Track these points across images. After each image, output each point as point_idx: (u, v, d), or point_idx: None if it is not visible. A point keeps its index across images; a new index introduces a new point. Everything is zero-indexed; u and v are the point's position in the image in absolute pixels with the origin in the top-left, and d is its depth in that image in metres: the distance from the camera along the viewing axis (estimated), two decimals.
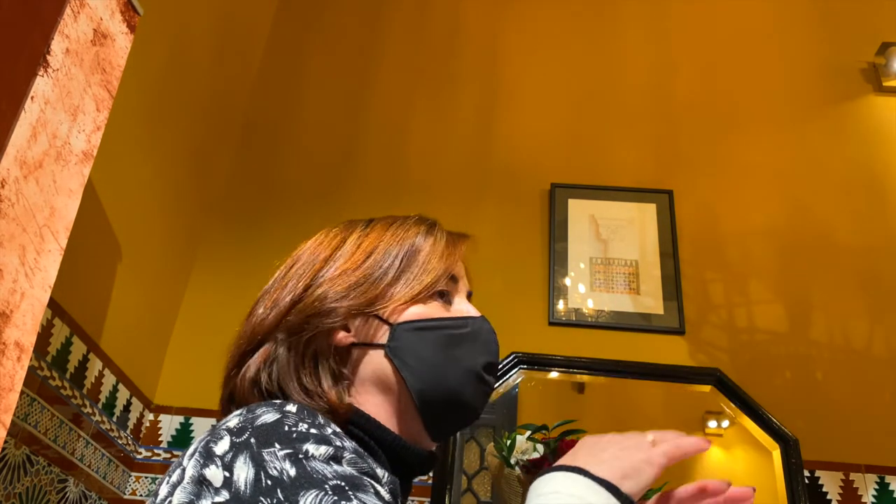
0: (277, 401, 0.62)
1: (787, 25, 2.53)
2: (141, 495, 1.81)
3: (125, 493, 1.79)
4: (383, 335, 0.71)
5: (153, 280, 1.89)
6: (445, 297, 0.75)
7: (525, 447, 1.70)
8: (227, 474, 0.52)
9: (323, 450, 0.54)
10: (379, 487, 0.54)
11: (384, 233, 0.75)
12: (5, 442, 1.30)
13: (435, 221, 0.79)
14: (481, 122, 2.38)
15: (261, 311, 0.73)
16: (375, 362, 0.71)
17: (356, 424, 0.68)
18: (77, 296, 1.52)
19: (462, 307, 0.76)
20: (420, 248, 0.74)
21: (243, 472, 0.52)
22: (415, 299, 0.72)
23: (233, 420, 0.58)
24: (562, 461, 0.58)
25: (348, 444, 0.58)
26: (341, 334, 0.71)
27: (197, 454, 0.55)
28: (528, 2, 2.63)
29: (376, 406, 0.70)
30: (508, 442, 1.72)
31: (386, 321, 0.71)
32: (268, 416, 0.57)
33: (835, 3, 2.56)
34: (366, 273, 0.72)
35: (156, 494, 0.58)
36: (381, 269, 0.72)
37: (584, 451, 0.59)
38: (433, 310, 0.73)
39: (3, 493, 1.31)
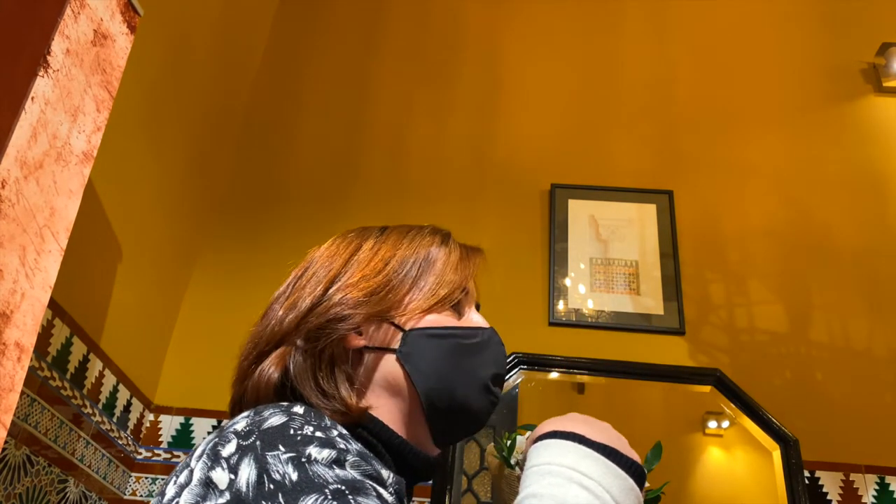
0: (285, 403, 0.63)
1: (787, 25, 2.53)
2: (141, 496, 1.81)
3: (125, 494, 1.79)
4: (396, 340, 0.73)
5: (153, 280, 1.89)
6: (457, 307, 0.77)
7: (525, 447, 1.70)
8: (233, 476, 0.53)
9: (326, 453, 0.55)
10: (382, 490, 0.55)
11: (400, 242, 0.78)
12: (5, 442, 1.30)
13: (448, 233, 0.81)
14: (481, 122, 2.38)
15: (280, 312, 0.74)
16: (386, 367, 0.72)
17: (364, 427, 0.69)
18: (77, 296, 1.52)
19: (472, 318, 0.78)
20: (436, 258, 0.77)
21: (246, 474, 0.53)
22: (430, 310, 0.74)
23: (240, 422, 0.59)
24: (556, 426, 0.61)
25: (353, 446, 0.58)
26: (354, 338, 0.73)
27: (204, 456, 0.56)
28: (529, 2, 2.63)
29: (384, 409, 0.71)
30: (508, 442, 1.72)
31: (400, 327, 0.73)
32: (274, 419, 0.58)
33: (835, 4, 2.56)
34: (383, 281, 0.74)
35: (162, 494, 0.59)
36: (398, 278, 0.74)
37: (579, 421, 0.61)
38: (445, 319, 0.75)
39: (3, 493, 1.31)
